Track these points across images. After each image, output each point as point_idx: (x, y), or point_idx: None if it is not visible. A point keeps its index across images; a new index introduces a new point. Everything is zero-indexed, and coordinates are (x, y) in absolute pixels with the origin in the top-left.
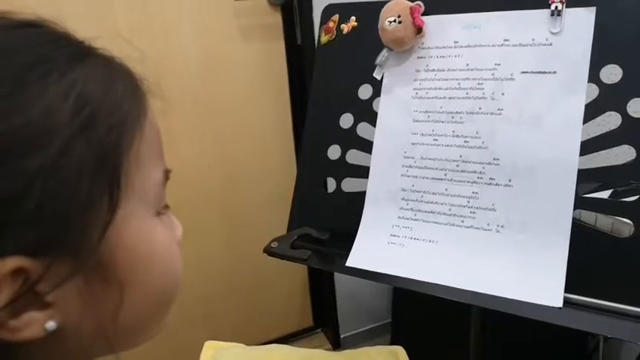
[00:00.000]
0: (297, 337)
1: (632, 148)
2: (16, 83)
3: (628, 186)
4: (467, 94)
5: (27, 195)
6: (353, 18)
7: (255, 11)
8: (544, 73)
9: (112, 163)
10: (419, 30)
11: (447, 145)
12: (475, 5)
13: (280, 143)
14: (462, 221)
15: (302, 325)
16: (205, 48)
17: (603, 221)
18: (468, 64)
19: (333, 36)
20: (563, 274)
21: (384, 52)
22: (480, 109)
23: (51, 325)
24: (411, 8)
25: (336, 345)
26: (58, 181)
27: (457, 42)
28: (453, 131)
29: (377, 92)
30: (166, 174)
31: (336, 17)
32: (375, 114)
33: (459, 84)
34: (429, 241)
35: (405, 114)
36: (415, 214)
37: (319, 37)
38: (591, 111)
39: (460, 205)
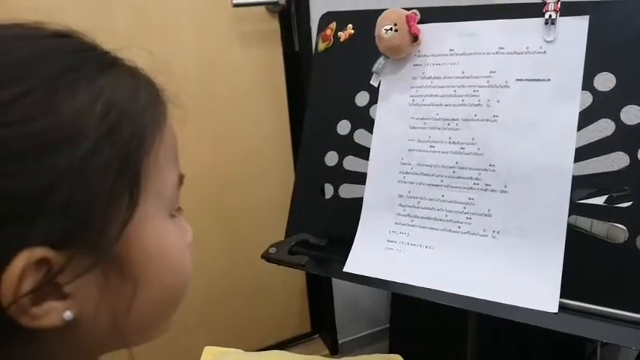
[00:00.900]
0: (295, 343)
1: (625, 154)
2: (48, 88)
3: (622, 192)
4: (462, 101)
5: (56, 190)
6: (350, 26)
7: (253, 17)
8: (538, 80)
9: (134, 165)
10: (415, 38)
11: (444, 152)
12: (470, 14)
13: (278, 149)
14: (459, 227)
15: (300, 331)
16: (203, 54)
17: (599, 227)
18: (463, 72)
19: (331, 43)
20: (559, 279)
21: (381, 60)
22: (475, 116)
23: (68, 315)
24: (407, 16)
25: (334, 350)
26: (84, 179)
27: (453, 50)
28: (449, 138)
29: (374, 99)
30: (181, 178)
31: (333, 25)
32: (372, 121)
33: (455, 91)
34: (426, 247)
35: (401, 121)
36: (412, 220)
37: (317, 44)
38: (585, 118)
39: (456, 211)
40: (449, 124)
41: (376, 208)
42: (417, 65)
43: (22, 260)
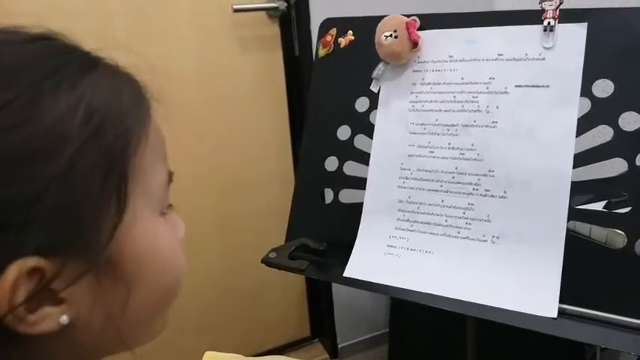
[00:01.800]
0: (294, 347)
1: (624, 160)
2: (30, 95)
3: (621, 198)
4: (462, 107)
5: (42, 199)
6: (350, 32)
7: (254, 22)
8: (537, 86)
9: (120, 168)
10: (415, 44)
11: (443, 157)
12: (469, 21)
13: (278, 154)
14: (458, 232)
15: (299, 335)
16: (204, 58)
17: (598, 232)
18: (463, 78)
19: (331, 49)
20: (558, 284)
21: (381, 66)
22: (475, 121)
23: (64, 319)
24: (407, 23)
25: (334, 355)
26: (71, 185)
27: (452, 56)
28: (449, 143)
29: (374, 105)
30: (170, 176)
31: (333, 31)
32: (372, 126)
33: (455, 97)
34: (426, 252)
35: (401, 126)
36: (412, 225)
37: (317, 50)
38: (584, 124)
39: (456, 216)
40: (448, 130)
41: (376, 213)
42: (416, 71)
43: (13, 271)
